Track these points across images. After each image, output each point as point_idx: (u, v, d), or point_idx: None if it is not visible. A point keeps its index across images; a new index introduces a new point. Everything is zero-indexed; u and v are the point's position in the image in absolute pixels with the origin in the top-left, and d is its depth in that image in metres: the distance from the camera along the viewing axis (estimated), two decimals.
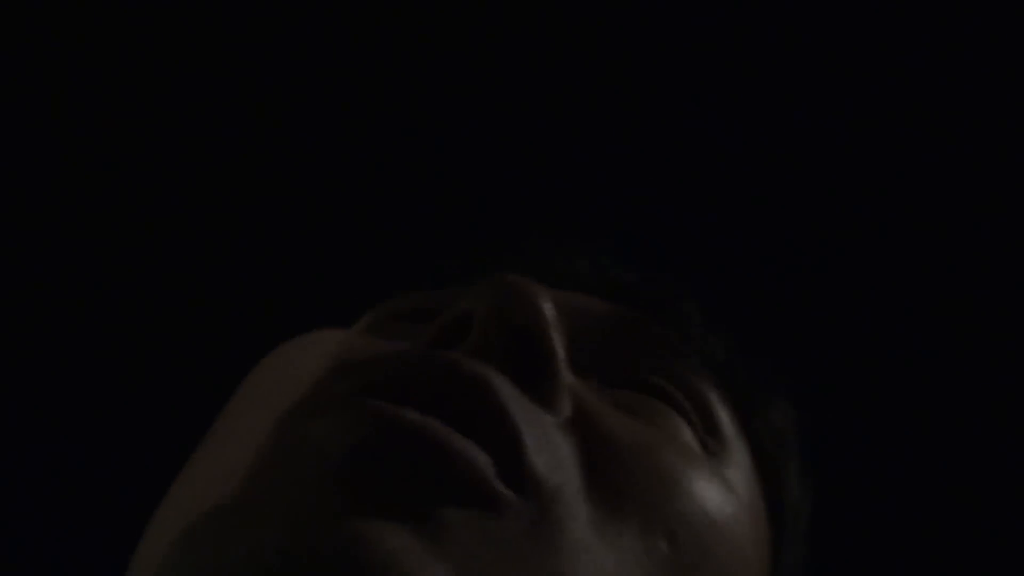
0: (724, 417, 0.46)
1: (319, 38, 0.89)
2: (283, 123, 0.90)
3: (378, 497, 0.30)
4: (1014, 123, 0.88)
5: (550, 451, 0.34)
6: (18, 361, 0.86)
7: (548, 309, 0.36)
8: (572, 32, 0.87)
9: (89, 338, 0.89)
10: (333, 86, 0.90)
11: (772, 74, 0.87)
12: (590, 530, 0.34)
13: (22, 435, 0.88)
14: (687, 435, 0.43)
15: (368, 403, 0.32)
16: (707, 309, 0.55)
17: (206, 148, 0.91)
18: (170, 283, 0.89)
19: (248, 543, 0.30)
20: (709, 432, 0.44)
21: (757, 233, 0.87)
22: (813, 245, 0.88)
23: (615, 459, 0.37)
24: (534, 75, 0.86)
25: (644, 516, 0.36)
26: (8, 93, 0.86)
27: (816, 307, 0.87)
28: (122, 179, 0.90)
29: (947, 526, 0.84)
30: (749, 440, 0.49)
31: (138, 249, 0.89)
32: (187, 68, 0.88)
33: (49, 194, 0.90)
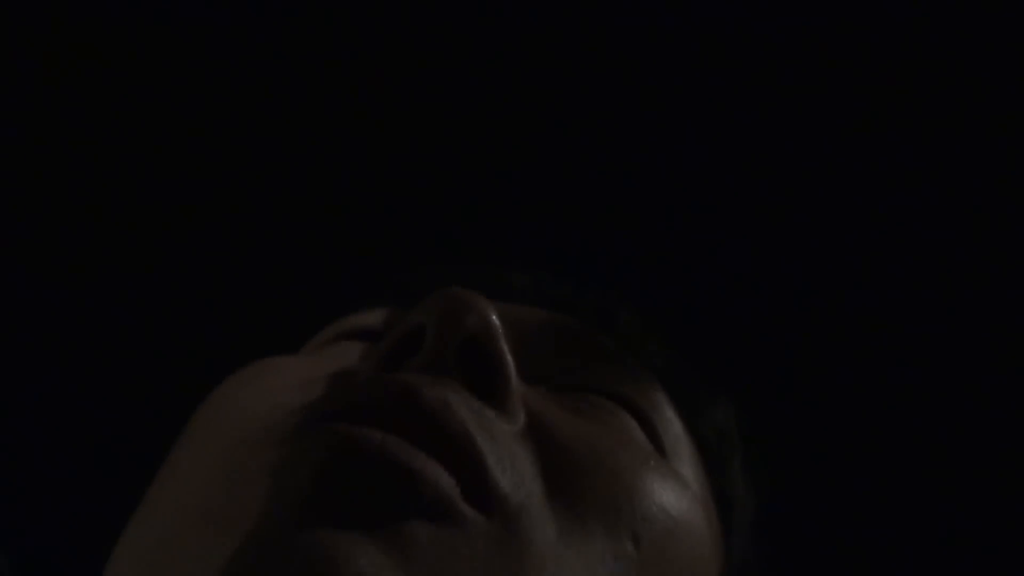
0: (671, 415, 0.47)
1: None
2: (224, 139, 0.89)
3: (346, 516, 0.31)
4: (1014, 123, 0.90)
5: (512, 467, 0.35)
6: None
7: (495, 317, 0.37)
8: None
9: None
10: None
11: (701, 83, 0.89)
12: (557, 540, 0.35)
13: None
14: (638, 434, 0.44)
15: (329, 426, 0.33)
16: (643, 318, 0.57)
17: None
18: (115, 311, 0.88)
19: (216, 561, 0.30)
20: (658, 430, 0.45)
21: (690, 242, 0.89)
22: (747, 250, 0.91)
23: (574, 466, 0.37)
24: (471, 98, 0.87)
25: (608, 520, 0.37)
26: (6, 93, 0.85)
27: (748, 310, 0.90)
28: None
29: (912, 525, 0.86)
30: (694, 438, 0.50)
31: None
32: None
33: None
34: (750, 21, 0.90)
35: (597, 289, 0.55)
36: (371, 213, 0.83)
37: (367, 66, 0.90)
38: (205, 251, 0.85)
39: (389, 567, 0.30)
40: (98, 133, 0.90)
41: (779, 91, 0.91)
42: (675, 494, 0.41)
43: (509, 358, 0.37)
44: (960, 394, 0.90)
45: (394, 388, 0.34)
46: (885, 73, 0.90)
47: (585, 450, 0.38)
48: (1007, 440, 0.89)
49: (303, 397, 0.37)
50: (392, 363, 0.37)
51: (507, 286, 0.53)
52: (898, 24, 0.90)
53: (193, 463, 0.38)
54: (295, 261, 0.82)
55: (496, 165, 0.87)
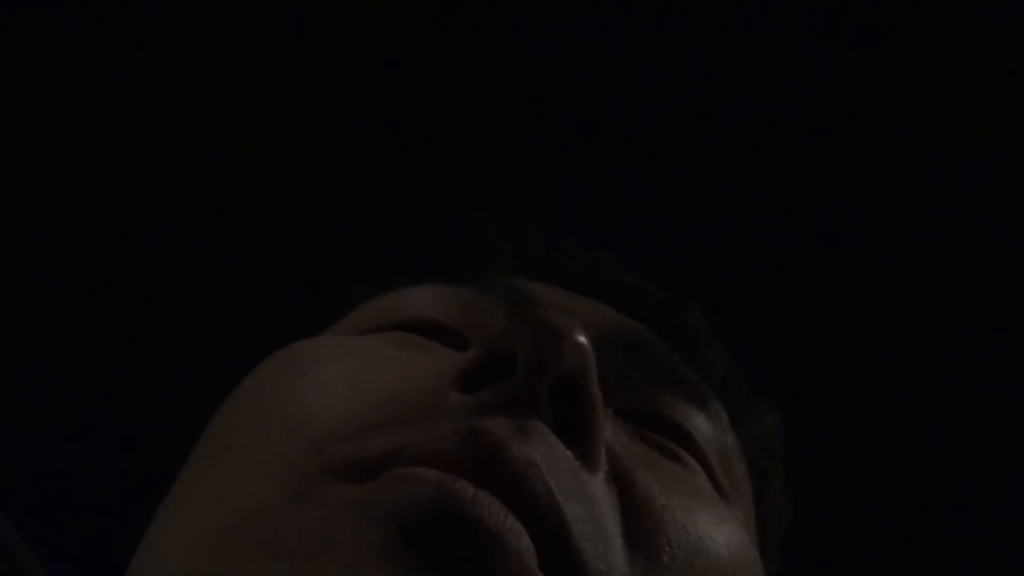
0: (730, 442, 0.46)
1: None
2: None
3: (425, 571, 0.29)
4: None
5: (595, 534, 0.33)
6: None
7: (591, 355, 0.35)
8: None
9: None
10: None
11: (774, 65, 0.85)
12: None
13: None
14: (703, 480, 0.42)
15: (417, 470, 0.31)
16: (707, 316, 0.54)
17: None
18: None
19: None
20: (719, 477, 0.43)
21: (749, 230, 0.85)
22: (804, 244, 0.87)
23: (652, 525, 0.36)
24: (523, 66, 0.82)
25: None
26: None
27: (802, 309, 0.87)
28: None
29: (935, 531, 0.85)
30: (744, 454, 0.48)
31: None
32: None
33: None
34: None
35: (663, 283, 0.51)
36: (422, 172, 0.78)
37: (389, 19, 0.85)
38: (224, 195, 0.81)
39: None
40: None
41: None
42: (740, 548, 0.40)
43: (602, 407, 0.35)
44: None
45: (483, 441, 0.32)
46: None
47: (662, 507, 0.37)
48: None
49: (374, 414, 0.35)
50: (477, 385, 0.34)
51: (568, 268, 0.50)
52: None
53: (239, 462, 0.35)
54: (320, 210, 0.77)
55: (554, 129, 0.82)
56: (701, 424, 0.44)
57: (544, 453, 0.33)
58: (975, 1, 0.81)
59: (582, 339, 0.34)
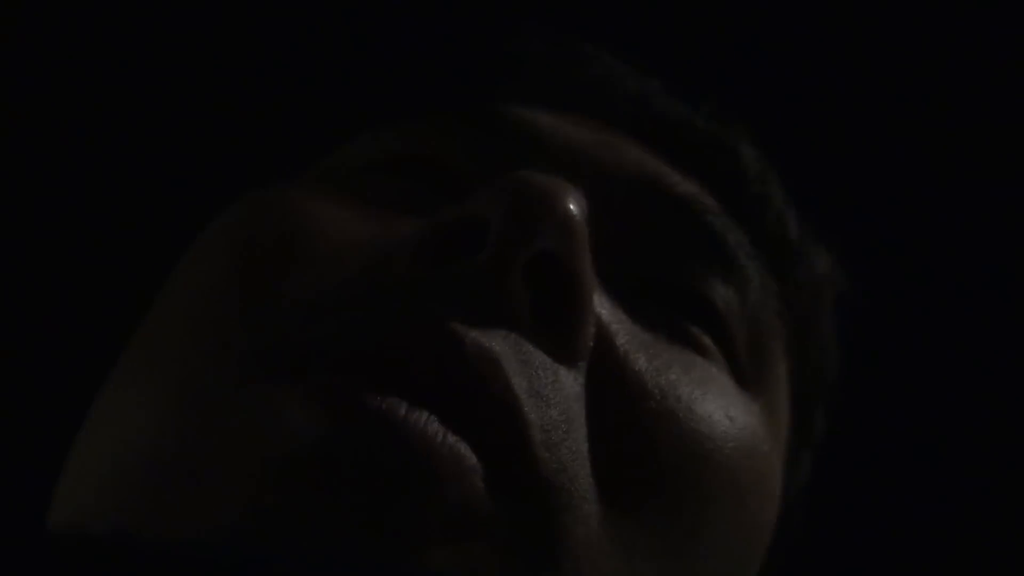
0: (771, 333, 0.40)
1: None
2: None
3: (346, 497, 0.26)
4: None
5: (561, 443, 0.29)
6: None
7: (579, 229, 0.29)
8: None
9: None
10: None
11: None
12: (598, 535, 0.30)
13: None
14: (719, 365, 0.36)
15: (350, 388, 0.27)
16: (762, 151, 0.47)
17: None
18: None
19: (203, 515, 0.26)
20: (752, 354, 0.38)
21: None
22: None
23: (637, 423, 0.31)
24: None
25: (666, 502, 0.31)
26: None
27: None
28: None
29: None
30: (788, 318, 0.43)
31: None
32: None
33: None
34: None
35: (715, 112, 0.44)
36: None
37: None
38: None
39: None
40: None
41: None
42: (745, 449, 0.35)
43: (590, 290, 0.30)
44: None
45: (434, 332, 0.28)
46: None
47: (655, 404, 0.32)
48: None
49: (319, 286, 0.30)
50: (438, 258, 0.29)
51: (606, 93, 0.43)
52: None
53: (183, 338, 0.32)
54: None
55: None
56: (729, 296, 0.38)
57: (509, 345, 0.28)
58: None
59: (570, 208, 0.29)
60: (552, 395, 0.29)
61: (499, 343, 0.28)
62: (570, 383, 0.30)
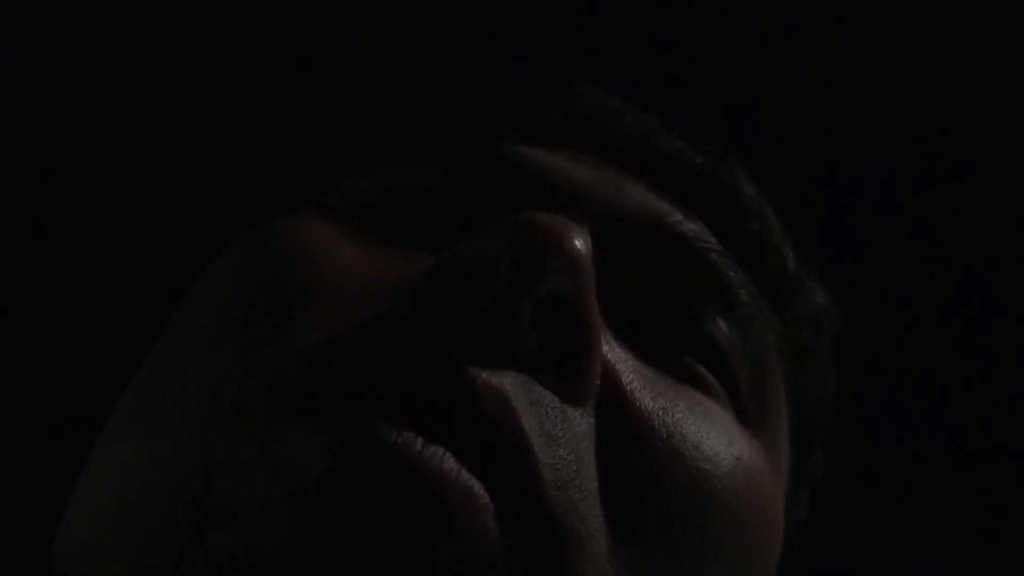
0: (772, 369, 0.40)
1: None
2: None
3: (361, 533, 0.26)
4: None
5: (570, 482, 0.29)
6: None
7: (587, 270, 0.29)
8: None
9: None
10: None
11: None
12: (608, 567, 0.30)
13: None
14: (722, 404, 0.36)
15: (365, 421, 0.27)
16: (758, 187, 0.48)
17: None
18: None
19: (208, 551, 0.26)
20: (754, 392, 0.38)
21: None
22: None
23: (644, 462, 0.31)
24: None
25: (673, 541, 0.31)
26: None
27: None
28: None
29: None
30: (787, 352, 0.43)
31: None
32: None
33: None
34: None
35: (713, 149, 0.44)
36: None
37: None
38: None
39: None
40: None
41: None
42: (750, 487, 0.35)
43: (598, 330, 0.30)
44: None
45: (445, 372, 0.28)
46: None
47: (661, 443, 0.32)
48: None
49: (327, 324, 0.30)
50: (446, 298, 0.29)
51: (603, 130, 0.43)
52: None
53: (192, 365, 0.31)
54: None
55: None
56: (731, 334, 0.38)
57: (519, 385, 0.28)
58: None
59: (578, 249, 0.29)
60: (561, 434, 0.29)
61: (509, 383, 0.28)
62: (578, 422, 0.30)
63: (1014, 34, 0.78)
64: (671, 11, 0.73)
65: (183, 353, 0.33)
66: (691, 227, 0.39)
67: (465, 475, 0.26)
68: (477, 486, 0.27)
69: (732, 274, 0.38)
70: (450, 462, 0.26)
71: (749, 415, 0.38)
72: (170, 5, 0.68)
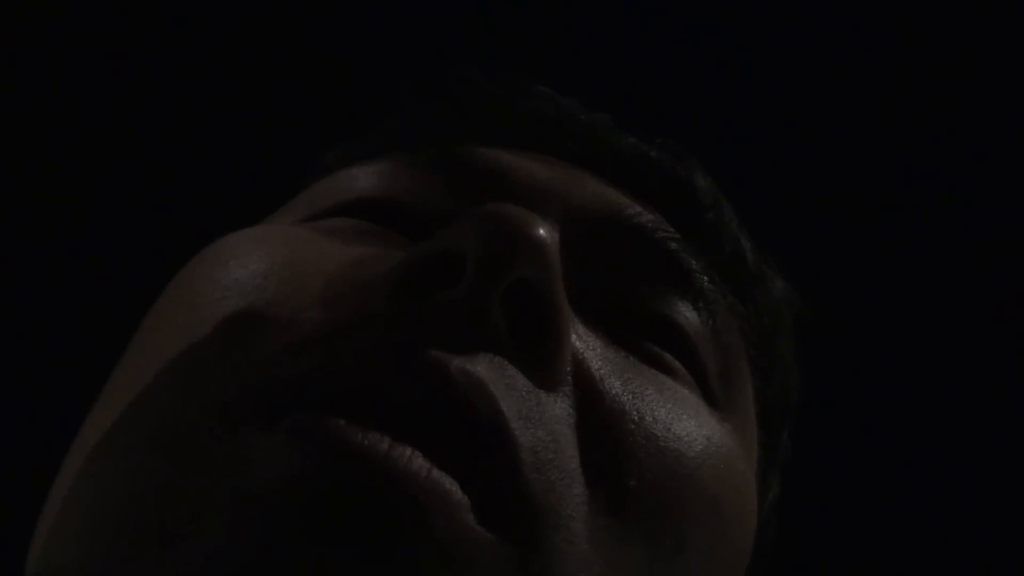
0: (735, 353, 0.41)
1: None
2: None
3: (332, 540, 0.26)
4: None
5: (550, 463, 0.29)
6: None
7: (554, 258, 0.30)
8: None
9: None
10: None
11: None
12: (588, 550, 0.30)
13: None
14: (690, 388, 0.37)
15: (330, 426, 0.27)
16: (713, 180, 0.49)
17: None
18: None
19: (174, 557, 0.26)
20: (720, 376, 0.39)
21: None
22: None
23: (619, 443, 0.32)
24: None
25: (650, 519, 0.32)
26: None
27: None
28: None
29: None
30: (749, 339, 0.44)
31: None
32: None
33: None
34: None
35: (666, 144, 0.45)
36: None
37: None
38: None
39: None
40: None
41: None
42: (725, 468, 0.35)
43: (567, 316, 0.31)
44: None
45: (418, 364, 0.28)
46: None
47: (633, 425, 0.33)
48: None
49: (298, 324, 0.30)
50: (415, 292, 0.30)
51: (557, 129, 0.44)
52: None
53: (162, 366, 0.31)
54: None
55: None
56: (695, 319, 0.38)
57: (493, 370, 0.29)
58: None
59: (543, 237, 0.29)
60: (538, 417, 0.29)
61: (484, 368, 0.28)
62: (553, 406, 0.31)
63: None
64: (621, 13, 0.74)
65: (151, 360, 0.32)
66: (650, 218, 0.39)
67: (436, 473, 0.27)
68: (448, 482, 0.27)
69: (692, 261, 0.39)
70: (419, 460, 0.26)
71: (716, 398, 0.38)
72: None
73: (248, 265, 0.33)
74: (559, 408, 0.31)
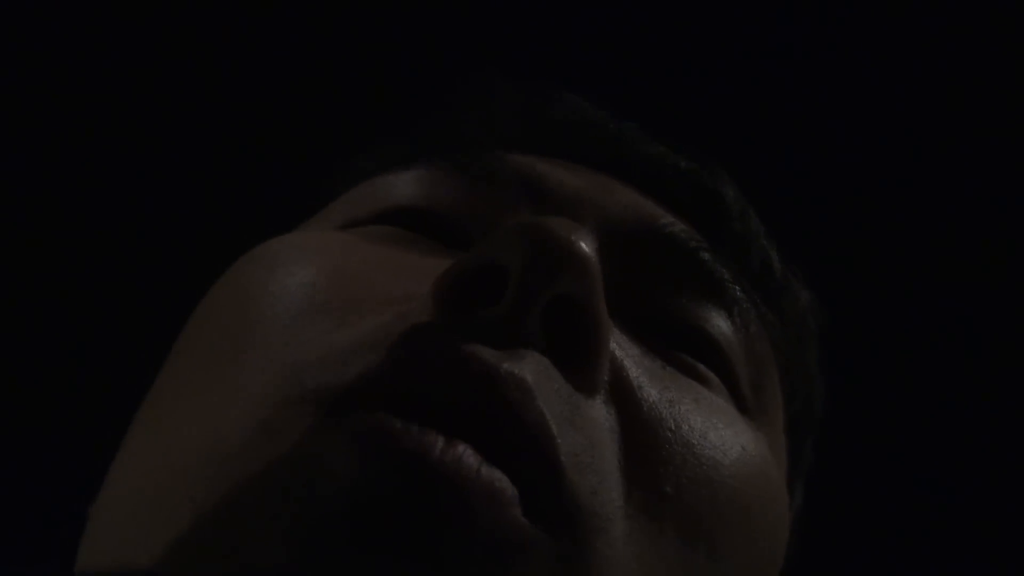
0: (767, 364, 0.41)
1: None
2: None
3: (390, 539, 0.26)
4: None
5: (591, 466, 0.30)
6: None
7: (595, 273, 0.30)
8: None
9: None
10: None
11: None
12: (625, 550, 0.30)
13: None
14: (724, 397, 0.38)
15: (390, 425, 0.27)
16: (743, 191, 0.49)
17: None
18: None
19: (244, 558, 0.26)
20: (752, 386, 0.39)
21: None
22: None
23: (657, 450, 0.32)
24: None
25: (685, 525, 0.32)
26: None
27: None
28: None
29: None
30: (778, 351, 0.44)
31: None
32: None
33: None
34: None
35: (694, 153, 0.45)
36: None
37: None
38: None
39: None
40: None
41: None
42: (759, 475, 0.36)
43: (607, 330, 0.31)
44: None
45: (465, 367, 0.28)
46: None
47: (670, 432, 0.33)
48: None
49: (344, 331, 0.31)
50: (460, 304, 0.30)
51: (588, 138, 0.44)
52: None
53: (214, 378, 0.32)
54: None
55: None
56: (728, 329, 0.39)
57: (536, 376, 0.29)
58: None
59: (587, 253, 0.30)
60: (578, 421, 0.30)
61: (528, 373, 0.29)
62: (592, 411, 0.31)
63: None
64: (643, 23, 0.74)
65: (199, 362, 0.33)
66: (682, 228, 0.40)
67: (486, 469, 0.27)
68: (499, 479, 0.27)
69: (724, 272, 0.39)
70: (470, 458, 0.27)
71: (749, 407, 0.39)
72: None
73: (295, 272, 0.34)
74: (598, 414, 0.31)
